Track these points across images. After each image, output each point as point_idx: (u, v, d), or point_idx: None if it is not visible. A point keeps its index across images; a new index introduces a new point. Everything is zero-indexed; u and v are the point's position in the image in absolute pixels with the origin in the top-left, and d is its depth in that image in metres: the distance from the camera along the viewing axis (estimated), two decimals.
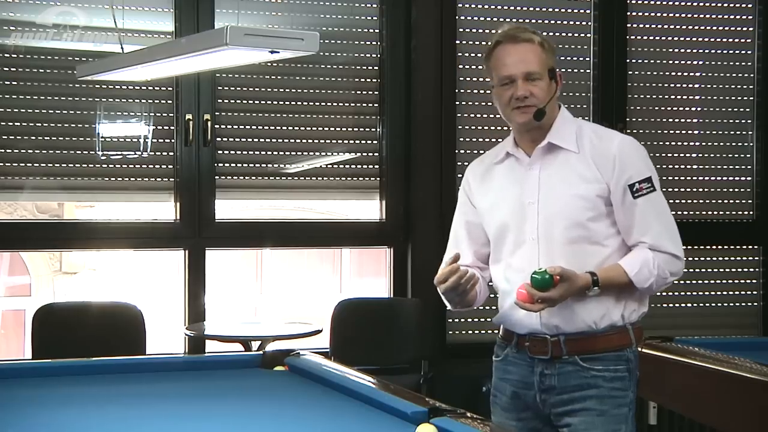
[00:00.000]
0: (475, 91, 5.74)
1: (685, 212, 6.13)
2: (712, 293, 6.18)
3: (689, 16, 6.13)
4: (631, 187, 2.86)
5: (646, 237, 2.88)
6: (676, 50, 6.12)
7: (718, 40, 6.16)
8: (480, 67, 5.29)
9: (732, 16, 6.18)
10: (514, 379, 3.00)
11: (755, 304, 6.23)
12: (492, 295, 3.15)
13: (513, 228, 2.95)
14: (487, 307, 5.58)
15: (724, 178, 6.22)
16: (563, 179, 2.90)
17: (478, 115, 5.71)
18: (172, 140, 5.45)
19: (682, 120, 6.17)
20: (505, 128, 3.09)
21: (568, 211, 2.88)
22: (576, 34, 5.95)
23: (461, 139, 5.75)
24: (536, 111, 2.87)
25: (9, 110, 5.26)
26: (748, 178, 6.24)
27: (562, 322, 2.89)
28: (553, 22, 5.87)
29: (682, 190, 6.13)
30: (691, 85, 6.18)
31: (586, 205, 2.87)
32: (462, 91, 5.77)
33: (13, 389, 3.10)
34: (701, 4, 6.14)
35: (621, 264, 2.87)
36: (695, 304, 6.14)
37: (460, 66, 5.74)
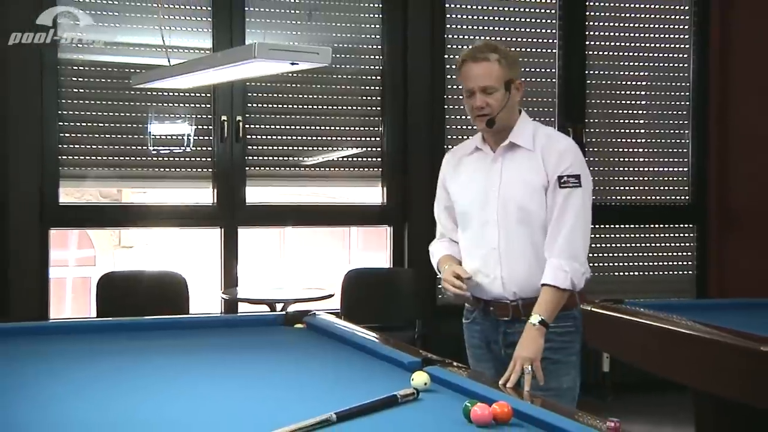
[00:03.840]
0: (460, 97, 5.69)
1: (632, 197, 6.13)
2: (655, 264, 6.18)
3: (636, 35, 6.11)
4: (560, 178, 2.82)
5: (559, 234, 2.81)
6: (626, 63, 6.11)
7: (660, 55, 6.16)
8: None
9: (671, 36, 6.18)
10: (482, 336, 2.99)
11: (690, 273, 6.23)
12: None
13: (477, 209, 2.94)
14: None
15: (664, 168, 6.21)
16: (518, 171, 2.88)
17: (463, 117, 5.69)
18: (210, 137, 5.43)
19: (631, 121, 6.15)
20: None
21: (519, 196, 2.86)
22: (543, 50, 5.94)
23: (449, 137, 5.73)
24: (487, 120, 2.85)
25: (77, 113, 5.24)
26: (684, 169, 6.23)
27: (519, 289, 2.88)
28: (523, 40, 5.85)
29: (630, 178, 6.12)
30: (638, 92, 6.16)
31: (533, 193, 2.85)
32: (449, 97, 5.76)
33: (81, 342, 3.11)
34: (646, 25, 6.12)
35: (542, 284, 2.81)
36: (641, 273, 6.14)
37: (448, 76, 5.73)
